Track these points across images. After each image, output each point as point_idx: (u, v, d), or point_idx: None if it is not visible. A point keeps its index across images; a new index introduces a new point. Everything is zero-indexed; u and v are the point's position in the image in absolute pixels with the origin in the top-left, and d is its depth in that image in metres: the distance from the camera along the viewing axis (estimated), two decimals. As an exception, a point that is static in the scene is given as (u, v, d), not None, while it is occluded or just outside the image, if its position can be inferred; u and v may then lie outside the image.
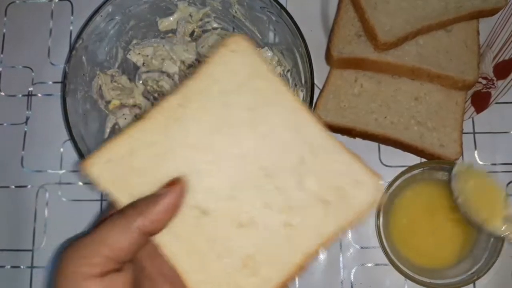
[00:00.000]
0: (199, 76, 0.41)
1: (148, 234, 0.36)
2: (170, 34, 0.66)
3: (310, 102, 0.56)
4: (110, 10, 0.58)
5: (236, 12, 0.64)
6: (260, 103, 0.41)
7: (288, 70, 0.63)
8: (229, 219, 0.40)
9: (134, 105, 0.63)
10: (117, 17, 0.60)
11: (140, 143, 0.40)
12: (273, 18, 0.60)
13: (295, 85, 0.61)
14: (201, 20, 0.66)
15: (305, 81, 0.58)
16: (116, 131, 0.63)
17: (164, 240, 0.38)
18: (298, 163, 0.41)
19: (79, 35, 0.57)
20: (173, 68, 0.63)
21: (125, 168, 0.39)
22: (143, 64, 0.65)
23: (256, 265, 0.39)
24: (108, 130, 0.62)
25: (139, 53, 0.64)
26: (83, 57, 0.58)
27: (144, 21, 0.64)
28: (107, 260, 0.34)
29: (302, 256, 0.40)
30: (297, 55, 0.59)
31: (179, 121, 0.40)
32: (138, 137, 0.40)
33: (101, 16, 0.58)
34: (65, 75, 0.56)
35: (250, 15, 0.63)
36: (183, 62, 0.65)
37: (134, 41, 0.65)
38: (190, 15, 0.65)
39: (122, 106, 0.62)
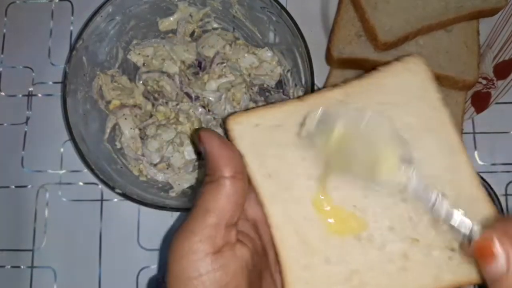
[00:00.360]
0: (368, 81, 0.40)
1: (240, 183, 0.35)
2: (170, 34, 0.66)
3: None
4: (110, 10, 0.58)
5: (236, 12, 0.64)
6: (418, 128, 0.39)
7: (288, 70, 0.63)
8: (349, 228, 0.38)
9: (135, 105, 0.63)
10: (117, 17, 0.60)
11: (290, 120, 0.39)
12: (273, 18, 0.60)
13: (295, 85, 0.61)
14: (201, 20, 0.66)
15: (305, 81, 0.58)
16: (116, 131, 0.63)
17: (278, 223, 0.37)
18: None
19: (79, 36, 0.57)
20: (173, 68, 0.63)
21: (267, 137, 0.38)
22: (143, 64, 0.65)
23: (360, 283, 0.37)
24: (108, 130, 0.62)
25: (139, 53, 0.64)
26: (84, 58, 0.58)
27: (144, 21, 0.64)
28: (216, 229, 0.33)
29: None
30: (297, 55, 0.59)
31: (333, 115, 0.39)
32: (290, 114, 0.39)
33: (102, 16, 0.58)
34: (65, 75, 0.56)
35: (250, 15, 0.63)
36: (183, 62, 0.65)
37: (135, 41, 0.65)
38: (190, 15, 0.65)
39: (122, 106, 0.62)
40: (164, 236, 0.64)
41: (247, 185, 0.36)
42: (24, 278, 0.64)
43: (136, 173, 0.61)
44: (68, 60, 0.57)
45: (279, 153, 0.38)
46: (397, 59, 0.41)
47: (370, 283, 0.37)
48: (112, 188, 0.54)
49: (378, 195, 0.38)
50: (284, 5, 0.59)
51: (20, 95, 0.70)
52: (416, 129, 0.39)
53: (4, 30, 0.72)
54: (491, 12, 0.64)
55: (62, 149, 0.67)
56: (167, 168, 0.61)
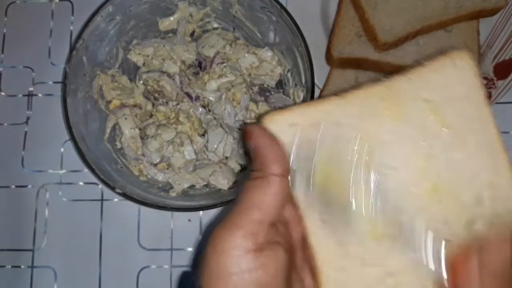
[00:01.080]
0: (411, 76, 0.39)
1: (287, 182, 0.35)
2: (170, 34, 0.66)
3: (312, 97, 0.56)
4: (110, 10, 0.58)
5: (236, 12, 0.64)
6: (461, 128, 0.39)
7: (288, 70, 0.63)
8: (387, 231, 0.37)
9: (135, 105, 0.63)
10: (117, 17, 0.60)
11: (328, 119, 0.38)
12: (273, 18, 0.60)
13: (295, 85, 0.61)
14: (201, 20, 0.66)
15: (305, 81, 0.58)
16: (116, 131, 0.63)
17: (315, 223, 0.36)
18: (474, 202, 0.38)
19: (79, 35, 0.57)
20: (173, 68, 0.63)
21: (304, 137, 0.37)
22: (144, 64, 0.65)
23: (395, 284, 0.37)
24: (108, 130, 0.62)
25: (139, 53, 0.64)
26: (84, 57, 0.58)
27: (144, 21, 0.64)
28: (259, 226, 0.32)
29: None
30: (297, 55, 0.59)
31: (375, 114, 0.38)
32: (328, 113, 0.38)
33: (102, 16, 0.58)
34: (65, 75, 0.56)
35: (250, 15, 0.63)
36: (183, 62, 0.65)
37: (135, 41, 0.65)
38: (191, 15, 0.65)
39: (122, 106, 0.62)
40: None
41: (288, 185, 0.35)
42: (24, 278, 0.64)
43: (136, 173, 0.61)
44: (68, 60, 0.57)
45: (316, 152, 0.37)
46: (443, 53, 0.40)
47: (404, 285, 0.37)
48: (113, 188, 0.54)
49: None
50: (284, 5, 0.59)
51: (20, 95, 0.70)
52: (458, 128, 0.39)
53: (4, 30, 0.72)
54: (491, 12, 0.64)
55: (62, 149, 0.67)
56: (167, 168, 0.61)
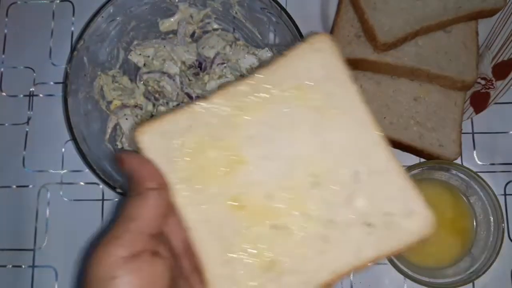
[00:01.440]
0: (275, 67, 0.40)
1: (164, 194, 0.36)
2: (171, 35, 0.66)
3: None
4: (111, 11, 0.59)
5: (236, 13, 0.64)
6: (329, 108, 0.39)
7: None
8: (264, 218, 0.38)
9: (136, 106, 0.64)
10: (118, 18, 0.61)
11: (198, 122, 0.39)
12: (273, 19, 0.60)
13: None
14: (201, 21, 0.66)
15: None
16: (117, 131, 0.63)
17: (195, 224, 0.37)
18: (352, 179, 0.38)
19: (80, 36, 0.57)
20: (174, 69, 0.63)
21: (176, 143, 0.38)
22: (144, 64, 0.65)
23: (280, 272, 0.37)
24: (109, 130, 0.62)
25: (140, 54, 0.64)
26: (85, 58, 0.59)
27: (145, 22, 0.64)
28: (137, 237, 0.34)
29: (331, 275, 0.37)
30: None
31: (244, 109, 0.39)
32: (198, 116, 0.39)
33: (102, 17, 0.58)
34: (66, 76, 0.56)
35: (250, 16, 0.64)
36: (184, 62, 0.65)
37: (135, 42, 0.65)
38: (191, 16, 0.65)
39: (123, 106, 0.63)
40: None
41: (168, 198, 0.37)
42: (25, 278, 0.64)
43: None
44: (69, 61, 0.57)
45: (189, 156, 0.38)
46: (304, 40, 0.41)
47: (290, 270, 0.37)
48: (113, 188, 0.55)
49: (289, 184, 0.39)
50: (284, 5, 0.59)
51: (21, 95, 0.70)
52: (326, 110, 0.39)
53: (5, 31, 0.72)
54: (490, 13, 0.64)
55: (63, 149, 0.67)
56: None
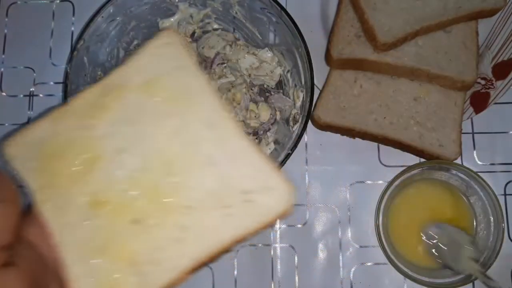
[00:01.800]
0: (126, 66, 0.41)
1: (9, 208, 0.36)
2: None
3: (310, 103, 0.56)
4: (111, 11, 0.59)
5: (236, 13, 0.64)
6: (179, 97, 0.41)
7: (288, 71, 0.63)
8: (121, 213, 0.38)
9: None
10: (118, 18, 0.61)
11: (58, 127, 0.39)
12: (273, 19, 0.60)
13: (295, 85, 0.62)
14: (201, 21, 0.66)
15: (305, 82, 0.58)
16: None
17: (55, 227, 0.38)
18: (207, 163, 0.39)
19: (80, 36, 0.57)
20: None
21: (41, 151, 0.39)
22: None
23: (141, 265, 0.38)
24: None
25: None
26: (85, 58, 0.59)
27: (145, 22, 0.64)
28: None
29: (192, 261, 0.38)
30: (297, 55, 0.59)
31: (100, 110, 0.40)
32: (57, 121, 0.40)
33: (102, 17, 0.58)
34: (66, 76, 0.56)
35: (250, 16, 0.64)
36: None
37: (135, 42, 0.65)
38: (191, 16, 0.65)
39: None
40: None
41: (18, 209, 0.37)
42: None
43: None
44: (69, 61, 0.57)
45: (49, 161, 0.39)
46: (153, 36, 0.43)
47: (150, 262, 0.38)
48: None
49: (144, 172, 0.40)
50: (284, 5, 0.59)
51: (21, 96, 0.70)
52: (178, 98, 0.40)
53: (5, 31, 0.72)
54: (490, 13, 0.64)
55: (63, 149, 0.67)
56: None
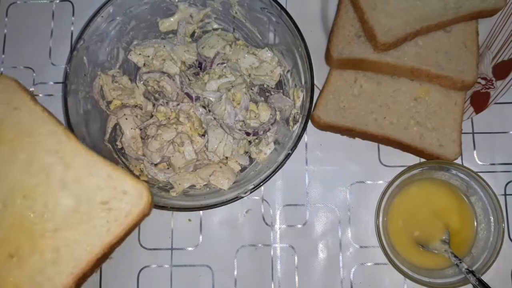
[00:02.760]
0: None
1: None
2: (170, 35, 0.66)
3: (310, 103, 0.56)
4: (111, 10, 0.59)
5: (236, 13, 0.64)
6: (21, 134, 0.45)
7: (288, 71, 0.63)
8: (0, 249, 0.42)
9: (135, 106, 0.64)
10: (118, 18, 0.61)
11: None
12: (273, 19, 0.60)
13: (295, 85, 0.62)
14: (201, 21, 0.66)
15: (305, 82, 0.58)
16: (117, 131, 0.63)
17: None
18: (60, 185, 0.43)
19: (80, 36, 0.57)
20: (174, 69, 0.63)
21: None
22: (144, 64, 0.65)
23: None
24: (109, 130, 0.62)
25: (140, 54, 0.64)
26: (84, 58, 0.59)
27: (145, 22, 0.64)
28: None
29: (72, 276, 0.42)
30: (297, 55, 0.59)
31: None
32: None
33: (102, 17, 0.58)
34: (66, 76, 0.56)
35: (250, 16, 0.64)
36: (183, 62, 0.65)
37: (135, 42, 0.65)
38: (191, 16, 0.65)
39: (123, 106, 0.62)
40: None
41: None
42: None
43: (137, 173, 0.61)
44: (69, 60, 0.57)
45: None
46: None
47: (32, 286, 0.42)
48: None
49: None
50: (284, 5, 0.59)
51: (21, 95, 0.70)
52: (20, 136, 0.46)
53: (5, 31, 0.72)
54: (490, 13, 0.64)
55: (63, 149, 0.67)
56: (168, 168, 0.61)
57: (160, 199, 0.57)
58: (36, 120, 0.46)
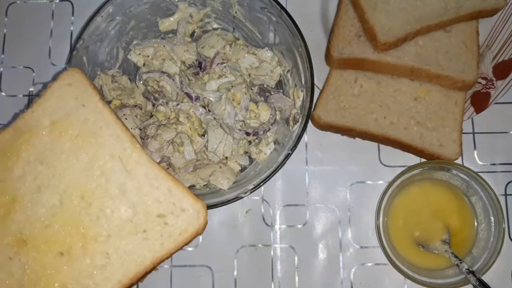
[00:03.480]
0: (33, 109, 0.45)
1: None
2: (170, 35, 0.66)
3: (310, 103, 0.56)
4: (110, 10, 0.59)
5: (236, 12, 0.64)
6: (86, 133, 0.44)
7: (288, 71, 0.63)
8: (46, 249, 0.42)
9: (135, 105, 0.63)
10: (117, 18, 0.60)
11: None
12: (273, 19, 0.60)
13: (295, 85, 0.61)
14: (201, 20, 0.66)
15: (305, 81, 0.58)
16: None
17: None
18: (119, 192, 0.43)
19: (80, 36, 0.57)
20: (173, 69, 0.63)
21: None
22: (144, 64, 0.65)
23: None
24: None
25: (139, 54, 0.64)
26: (84, 58, 0.59)
27: (144, 22, 0.64)
28: None
29: (119, 284, 0.42)
30: (297, 55, 0.59)
31: (10, 153, 0.43)
32: None
33: (102, 16, 0.58)
34: (66, 76, 0.56)
35: (250, 16, 0.64)
36: (183, 62, 0.65)
37: (135, 42, 0.65)
38: (191, 16, 0.65)
39: (123, 106, 0.62)
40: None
41: None
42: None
43: None
44: (69, 60, 0.57)
45: None
46: (55, 77, 0.46)
47: None
48: None
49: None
50: (284, 5, 0.59)
51: (21, 95, 0.70)
52: (85, 135, 0.44)
53: (5, 30, 0.72)
54: (491, 13, 0.64)
55: (62, 149, 0.67)
56: (168, 168, 0.61)
57: None
58: (103, 122, 0.45)
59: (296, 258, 0.64)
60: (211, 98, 0.61)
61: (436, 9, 0.63)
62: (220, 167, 0.60)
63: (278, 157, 0.57)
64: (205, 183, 0.61)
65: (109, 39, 0.62)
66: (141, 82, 0.64)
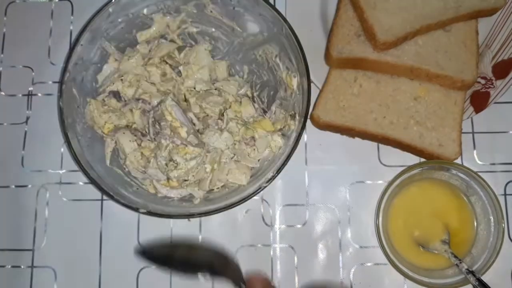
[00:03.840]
0: None
1: None
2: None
3: (308, 102, 0.56)
4: (89, 37, 0.58)
5: (211, 11, 0.63)
6: None
7: (276, 55, 0.63)
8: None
9: (127, 126, 0.63)
10: (98, 43, 0.60)
11: None
12: (249, 8, 0.60)
13: (287, 68, 0.61)
14: (179, 28, 0.65)
15: (297, 62, 0.58)
16: (120, 154, 0.62)
17: None
18: None
19: (65, 68, 0.57)
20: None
21: None
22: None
23: None
24: (108, 154, 0.61)
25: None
26: (74, 90, 0.59)
27: (123, 42, 0.64)
28: None
29: None
30: (283, 37, 0.58)
31: None
32: None
33: (82, 45, 0.58)
34: (60, 111, 0.56)
35: (226, 11, 0.63)
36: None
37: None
38: (168, 26, 0.65)
39: (116, 129, 0.61)
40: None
41: None
42: (24, 278, 0.64)
43: (152, 191, 0.61)
44: (60, 95, 0.56)
45: None
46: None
47: None
48: (136, 209, 0.55)
49: None
50: (284, 5, 0.59)
51: (20, 95, 0.70)
52: None
53: (4, 30, 0.72)
54: (490, 12, 0.64)
55: (62, 149, 0.67)
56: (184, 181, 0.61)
57: (184, 210, 0.58)
58: None
59: (295, 258, 0.64)
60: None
61: (435, 8, 0.62)
62: (236, 164, 0.60)
63: (289, 141, 0.58)
64: (222, 184, 0.61)
65: (93, 66, 0.61)
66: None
